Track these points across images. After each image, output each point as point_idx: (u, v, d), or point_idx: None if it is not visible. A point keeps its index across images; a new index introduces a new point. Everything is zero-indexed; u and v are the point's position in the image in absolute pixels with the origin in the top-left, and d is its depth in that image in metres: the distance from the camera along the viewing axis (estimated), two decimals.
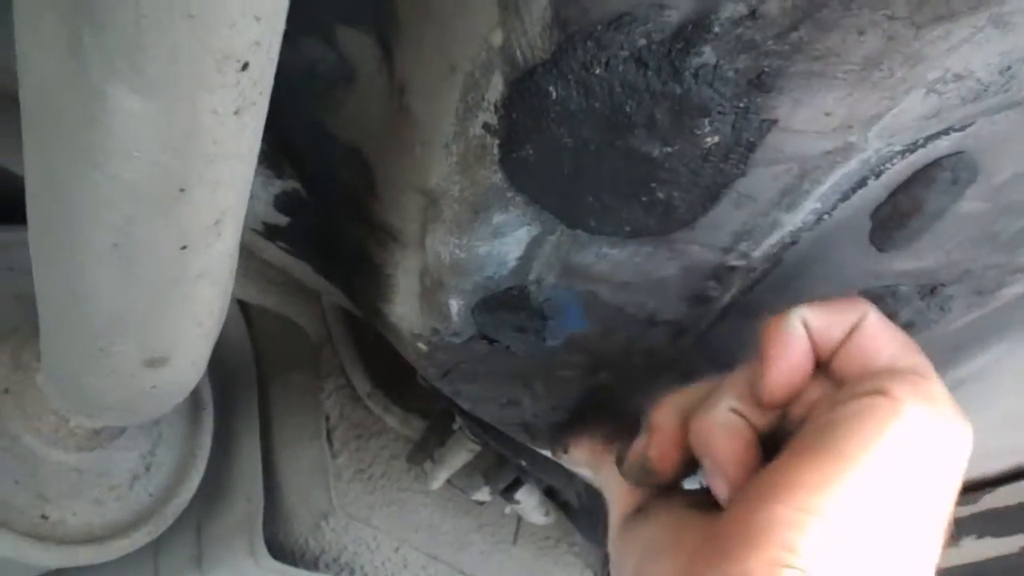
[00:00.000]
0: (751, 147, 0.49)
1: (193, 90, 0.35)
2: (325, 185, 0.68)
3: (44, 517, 0.79)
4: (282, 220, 0.74)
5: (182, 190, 0.40)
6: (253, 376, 1.01)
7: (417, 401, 0.99)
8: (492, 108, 0.49)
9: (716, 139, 0.48)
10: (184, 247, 0.43)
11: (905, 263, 0.60)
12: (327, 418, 0.98)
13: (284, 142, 0.68)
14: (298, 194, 0.72)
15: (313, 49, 0.57)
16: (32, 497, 0.78)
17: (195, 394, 0.96)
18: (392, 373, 1.00)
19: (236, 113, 0.38)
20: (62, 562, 0.80)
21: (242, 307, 1.01)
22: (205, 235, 0.44)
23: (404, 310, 0.67)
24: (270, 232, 0.76)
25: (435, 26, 0.50)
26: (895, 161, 0.52)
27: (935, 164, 0.53)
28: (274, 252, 0.82)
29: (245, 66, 0.36)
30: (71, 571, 1.05)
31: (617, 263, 0.58)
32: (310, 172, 0.68)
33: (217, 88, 0.36)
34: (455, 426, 0.90)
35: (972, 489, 0.88)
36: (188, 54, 0.34)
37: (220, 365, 0.96)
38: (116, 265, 0.43)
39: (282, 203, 0.73)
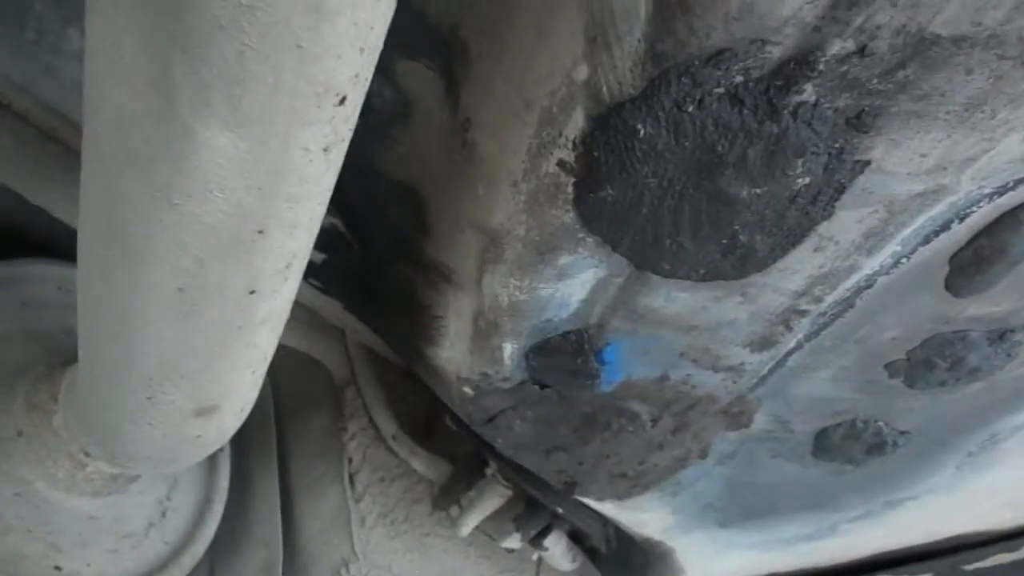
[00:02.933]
0: (841, 189, 0.47)
1: (288, 126, 0.33)
2: (370, 223, 0.65)
3: (58, 568, 0.74)
4: (318, 257, 0.72)
5: (260, 232, 0.37)
6: (271, 416, 0.97)
7: (444, 444, 0.96)
8: (570, 145, 0.47)
9: (807, 180, 0.46)
10: (253, 292, 0.40)
11: (979, 308, 0.58)
12: (349, 460, 0.94)
13: None
14: (337, 231, 0.69)
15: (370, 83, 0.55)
16: (45, 547, 0.74)
17: None
18: (418, 415, 0.97)
19: (325, 150, 0.35)
20: None
21: None
22: (274, 279, 0.41)
23: (452, 353, 0.64)
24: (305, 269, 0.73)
25: (510, 59, 0.48)
26: (982, 204, 0.50)
27: (1023, 207, 0.51)
28: (303, 289, 0.79)
29: (343, 100, 0.33)
30: None
31: (685, 307, 0.55)
32: (354, 209, 0.65)
33: (313, 123, 0.33)
34: (488, 471, 0.86)
35: (1013, 536, 0.86)
36: (290, 87, 0.31)
37: None
38: (178, 311, 0.40)
39: (320, 240, 0.70)
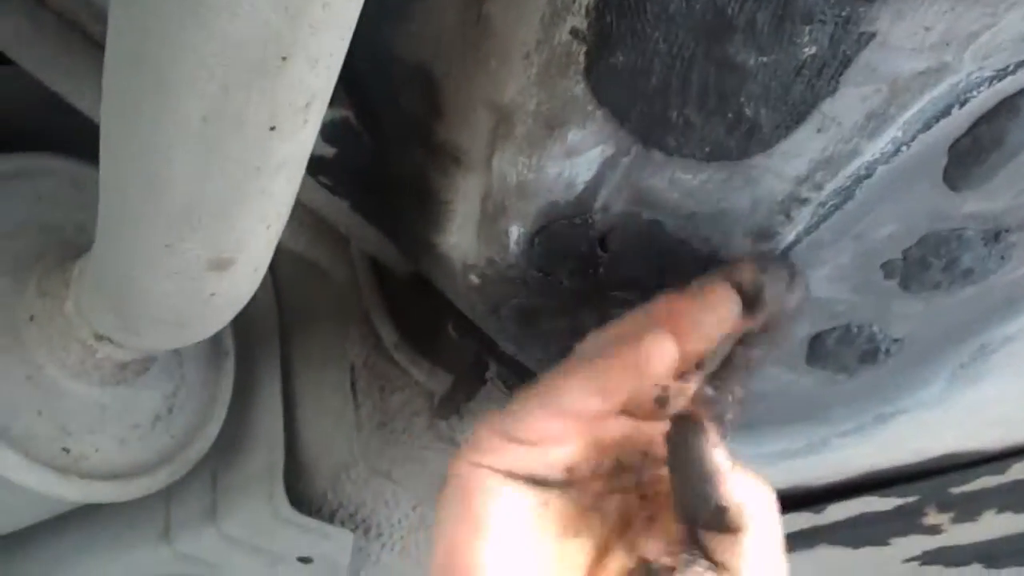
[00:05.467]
0: (846, 62, 0.48)
1: None
2: (383, 110, 0.66)
3: (66, 450, 0.76)
4: (329, 151, 0.73)
5: (284, 59, 0.38)
6: (276, 323, 0.99)
7: (445, 355, 0.98)
8: (583, 11, 0.48)
9: (813, 50, 0.47)
10: (273, 128, 0.42)
11: (975, 204, 0.59)
12: (351, 368, 0.96)
13: (341, 66, 0.66)
14: (348, 123, 0.70)
15: None
16: (55, 429, 0.76)
17: (217, 340, 0.94)
18: (420, 325, 0.98)
19: None
20: (83, 497, 0.77)
21: None
22: (294, 118, 0.42)
23: (459, 239, 0.65)
24: (314, 164, 0.74)
25: None
26: (982, 88, 0.51)
27: (1022, 93, 0.52)
28: (310, 190, 0.80)
29: None
30: (81, 520, 1.02)
31: (688, 190, 0.57)
32: (367, 98, 0.66)
33: None
34: (487, 375, 0.88)
35: (1002, 458, 0.88)
36: None
37: (242, 312, 0.94)
38: (202, 144, 0.42)
39: (331, 132, 0.71)
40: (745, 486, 0.54)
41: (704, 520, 0.54)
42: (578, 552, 0.57)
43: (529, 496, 0.55)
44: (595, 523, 0.59)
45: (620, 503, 0.60)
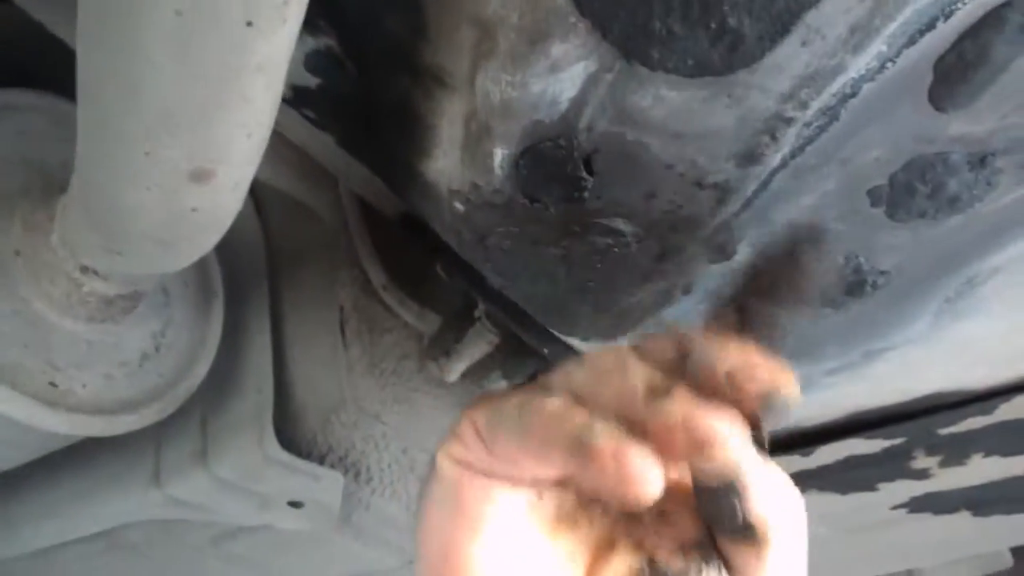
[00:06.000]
0: None
1: None
2: (366, 36, 0.65)
3: (53, 384, 0.76)
4: (312, 82, 0.72)
5: None
6: (264, 264, 0.99)
7: (434, 296, 0.98)
8: None
9: None
10: (249, 23, 0.41)
11: (961, 126, 0.59)
12: (341, 309, 0.96)
13: None
14: (332, 52, 0.70)
15: None
16: (42, 363, 0.76)
17: (205, 280, 0.94)
18: (409, 266, 0.98)
19: None
20: (70, 430, 0.77)
21: (252, 193, 0.98)
22: (272, 14, 0.42)
23: (444, 164, 0.65)
24: (298, 97, 0.74)
25: None
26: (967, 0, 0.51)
27: (1007, 4, 0.52)
28: (295, 126, 0.80)
29: None
30: (72, 465, 1.03)
31: (673, 109, 0.56)
32: (350, 23, 0.66)
33: None
34: (476, 313, 0.88)
35: (988, 397, 0.88)
36: None
37: (230, 252, 0.94)
38: (177, 40, 0.41)
39: (314, 62, 0.71)
40: (774, 496, 0.49)
41: (726, 529, 0.49)
42: (579, 547, 0.52)
43: (521, 490, 0.50)
44: (597, 514, 0.53)
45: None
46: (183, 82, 0.44)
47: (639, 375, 0.48)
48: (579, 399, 0.48)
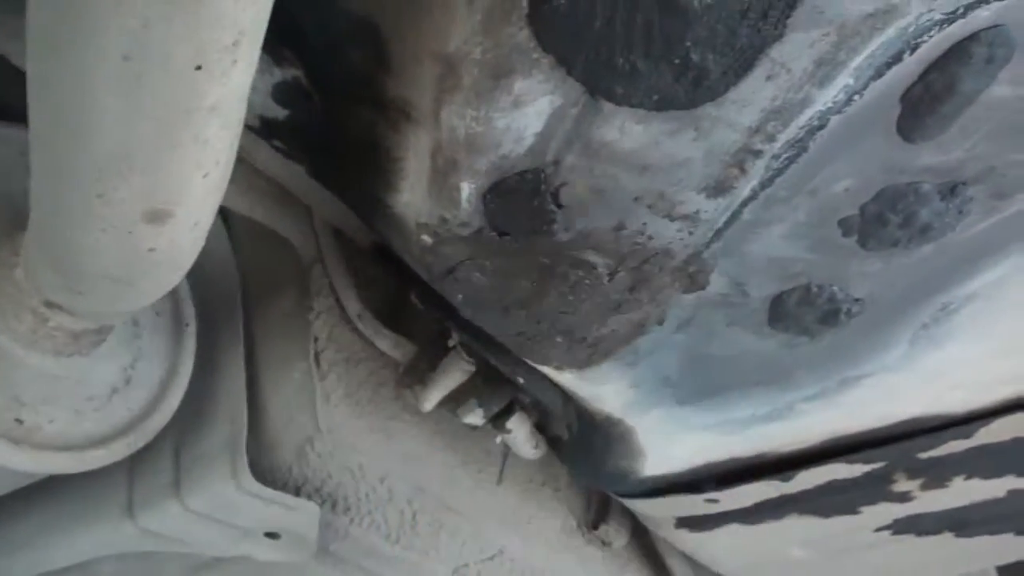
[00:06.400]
0: (792, 4, 0.47)
1: None
2: (331, 68, 0.65)
3: (19, 421, 0.75)
4: (280, 113, 0.71)
5: None
6: (238, 294, 0.98)
7: (409, 325, 0.97)
8: None
9: None
10: (199, 67, 0.40)
11: (931, 157, 0.59)
12: (315, 339, 0.95)
13: (287, 25, 0.65)
14: (299, 83, 0.69)
15: None
16: (7, 399, 0.74)
17: (177, 310, 0.93)
18: (383, 295, 0.97)
19: None
20: (37, 467, 0.76)
21: (226, 223, 0.98)
22: (222, 56, 0.41)
23: (411, 197, 0.64)
24: (267, 128, 0.73)
25: None
26: (933, 32, 0.51)
27: (972, 38, 0.51)
28: (266, 156, 0.79)
29: None
30: (43, 499, 1.01)
31: (640, 142, 0.56)
32: (315, 55, 0.65)
33: None
34: (451, 342, 0.87)
35: (967, 421, 0.88)
36: None
37: (203, 282, 0.93)
38: (125, 84, 0.40)
39: (281, 93, 0.70)
40: None
41: None
42: None
43: None
44: None
45: None
46: (133, 125, 0.43)
47: None
48: None
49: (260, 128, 0.73)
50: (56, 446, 0.77)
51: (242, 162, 0.79)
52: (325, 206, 0.86)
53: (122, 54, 0.39)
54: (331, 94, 0.67)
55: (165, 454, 0.95)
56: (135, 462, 0.94)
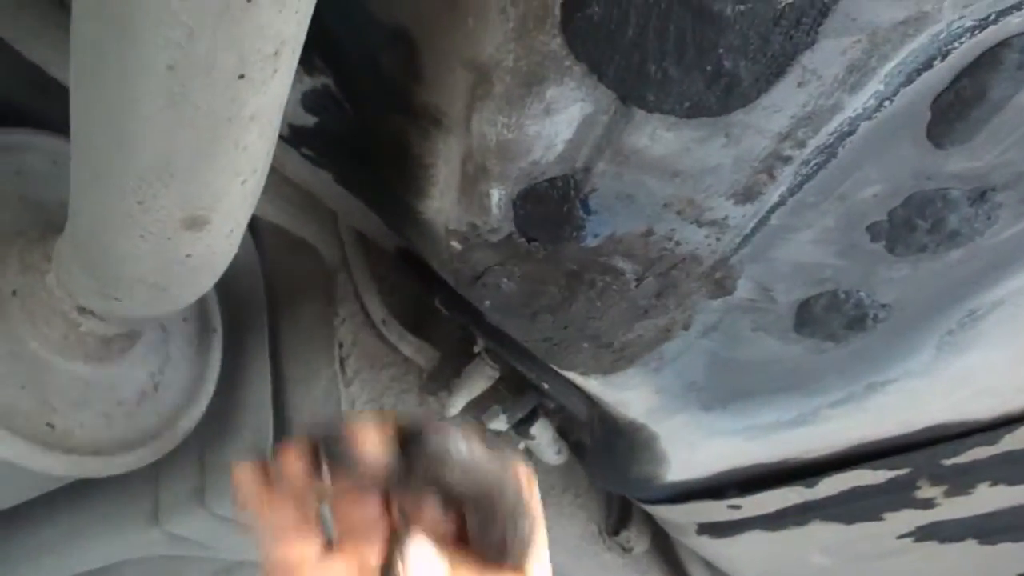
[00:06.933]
0: (824, 11, 0.48)
1: None
2: (362, 76, 0.65)
3: (50, 425, 0.76)
4: (309, 121, 0.72)
5: (248, 1, 0.38)
6: (263, 300, 0.98)
7: (433, 331, 0.97)
8: None
9: (791, 0, 0.47)
10: (242, 76, 0.41)
11: (959, 162, 0.59)
12: (340, 345, 0.96)
13: (318, 33, 0.65)
14: (328, 91, 0.70)
15: None
16: (38, 404, 0.75)
17: (204, 317, 0.94)
18: (408, 302, 0.98)
19: None
20: (67, 471, 0.77)
21: (252, 229, 0.98)
22: (263, 65, 0.42)
23: (441, 204, 0.65)
24: (296, 135, 0.74)
25: None
26: (964, 39, 0.51)
27: (1004, 44, 0.51)
28: (294, 164, 0.80)
29: None
30: (69, 504, 1.02)
31: (670, 148, 0.56)
32: (346, 63, 0.66)
33: None
34: (476, 348, 0.87)
35: (993, 427, 0.87)
36: None
37: (230, 289, 0.93)
38: (169, 93, 0.41)
39: (311, 101, 0.71)
40: None
41: None
42: None
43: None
44: None
45: None
46: (176, 134, 0.44)
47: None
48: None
49: (290, 136, 0.74)
50: (86, 450, 0.78)
51: (272, 171, 0.80)
52: (350, 212, 0.86)
53: (167, 64, 0.40)
54: (361, 101, 0.68)
55: (191, 459, 0.96)
56: (161, 467, 0.95)
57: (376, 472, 0.49)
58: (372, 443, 0.49)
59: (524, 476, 0.55)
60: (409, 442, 0.50)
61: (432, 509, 0.54)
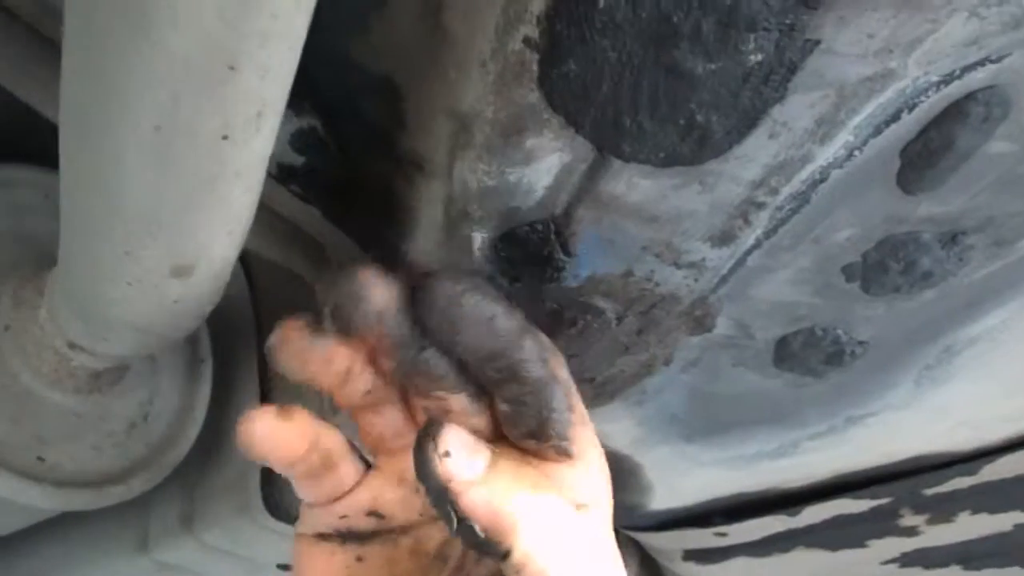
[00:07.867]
0: (793, 69, 0.49)
1: None
2: (348, 120, 0.67)
3: (41, 459, 0.77)
4: (297, 160, 0.73)
5: (231, 68, 0.39)
6: (253, 329, 1.00)
7: None
8: (535, 20, 0.49)
9: (759, 57, 0.48)
10: (225, 137, 0.42)
11: (930, 207, 0.60)
12: None
13: (304, 77, 0.67)
14: (316, 132, 0.71)
15: None
16: (29, 438, 0.76)
17: (194, 346, 0.95)
18: None
19: None
20: (57, 505, 0.78)
21: (242, 260, 1.00)
22: (246, 127, 0.43)
23: (425, 245, 0.66)
24: (283, 174, 0.75)
25: None
26: (930, 93, 0.52)
27: (969, 98, 0.53)
28: (283, 199, 0.81)
29: None
30: (59, 532, 1.03)
31: (647, 195, 0.58)
32: (333, 107, 0.67)
33: None
34: None
35: (972, 459, 0.89)
36: None
37: (219, 319, 0.94)
38: (155, 152, 0.42)
39: (299, 141, 0.72)
40: (493, 499, 0.47)
41: (466, 542, 0.47)
42: None
43: (340, 553, 0.57)
44: (424, 562, 0.57)
45: (446, 539, 0.58)
46: (162, 189, 0.45)
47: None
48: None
49: (278, 174, 0.75)
50: (76, 483, 0.79)
51: (262, 206, 0.81)
52: (338, 244, 0.88)
53: (154, 125, 0.41)
54: (347, 144, 0.69)
55: (180, 488, 0.97)
56: (150, 495, 0.96)
57: (384, 331, 0.49)
58: (378, 290, 0.50)
59: (544, 338, 0.54)
60: (416, 302, 0.49)
61: (459, 401, 0.53)
